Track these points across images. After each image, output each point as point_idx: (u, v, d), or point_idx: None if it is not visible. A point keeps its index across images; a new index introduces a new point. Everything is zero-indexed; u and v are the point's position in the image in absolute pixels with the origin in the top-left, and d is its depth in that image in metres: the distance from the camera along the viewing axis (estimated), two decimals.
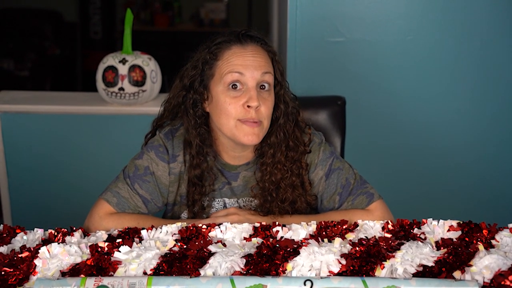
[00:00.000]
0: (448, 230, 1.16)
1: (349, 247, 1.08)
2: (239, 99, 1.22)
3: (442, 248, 1.08)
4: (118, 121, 2.12)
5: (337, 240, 1.10)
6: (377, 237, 1.11)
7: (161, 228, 1.17)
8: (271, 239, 1.10)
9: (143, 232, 1.15)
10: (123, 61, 2.05)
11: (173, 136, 1.33)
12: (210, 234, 1.15)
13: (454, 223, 1.17)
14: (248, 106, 1.21)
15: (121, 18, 5.16)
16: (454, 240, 1.11)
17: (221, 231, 1.16)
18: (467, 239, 1.11)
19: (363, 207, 1.31)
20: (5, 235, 1.15)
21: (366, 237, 1.12)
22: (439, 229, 1.16)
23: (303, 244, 1.08)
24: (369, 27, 2.07)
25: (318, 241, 1.11)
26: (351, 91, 1.98)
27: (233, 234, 1.15)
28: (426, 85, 2.13)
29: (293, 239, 1.11)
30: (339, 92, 1.78)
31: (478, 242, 1.09)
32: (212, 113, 1.28)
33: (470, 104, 2.15)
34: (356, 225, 1.19)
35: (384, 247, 1.07)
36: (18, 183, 2.14)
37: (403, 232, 1.15)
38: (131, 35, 2.08)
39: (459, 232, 1.15)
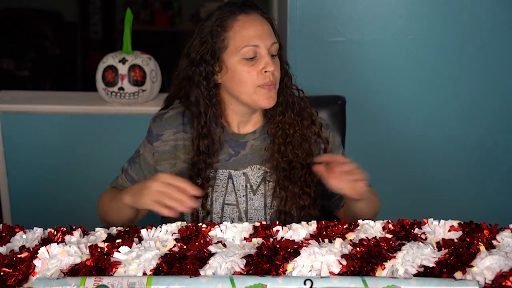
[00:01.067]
0: (449, 230, 1.15)
1: (349, 247, 1.07)
2: (256, 67, 1.29)
3: (443, 248, 1.08)
4: (118, 121, 2.12)
5: (338, 240, 1.10)
6: (378, 237, 1.11)
7: (160, 227, 1.16)
8: (271, 239, 1.10)
9: (143, 232, 1.15)
10: (123, 61, 2.05)
11: (161, 118, 1.40)
12: (210, 233, 1.14)
13: (455, 223, 1.16)
14: (265, 72, 1.29)
15: (121, 18, 5.16)
16: (455, 240, 1.11)
17: (221, 230, 1.15)
18: (468, 239, 1.11)
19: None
20: (4, 234, 1.15)
21: (366, 237, 1.12)
22: (440, 229, 1.15)
23: (304, 244, 1.08)
24: (369, 27, 2.07)
25: (319, 242, 1.11)
26: (351, 90, 1.97)
27: (233, 234, 1.15)
28: (426, 85, 2.13)
29: (293, 240, 1.11)
30: (339, 92, 1.78)
31: (479, 243, 1.09)
32: (226, 83, 1.33)
33: (471, 104, 2.15)
34: (356, 225, 1.19)
35: (385, 247, 1.07)
36: (18, 183, 2.13)
37: (404, 232, 1.14)
38: (131, 35, 2.08)
39: (460, 233, 1.14)
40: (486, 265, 1.02)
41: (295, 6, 2.04)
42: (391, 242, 1.08)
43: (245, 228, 1.16)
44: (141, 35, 4.43)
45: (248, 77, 1.29)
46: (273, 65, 1.30)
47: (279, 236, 1.14)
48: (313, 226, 1.17)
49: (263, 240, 1.10)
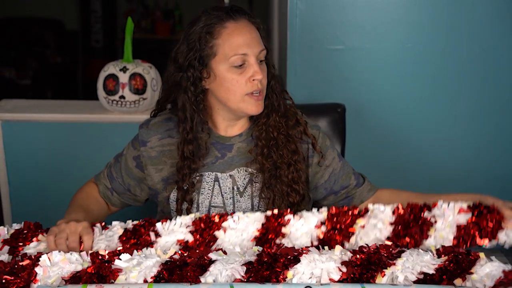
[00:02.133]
0: (459, 213, 1.15)
1: (349, 254, 1.08)
2: (244, 75, 1.30)
3: (443, 255, 1.08)
4: (119, 129, 2.12)
5: (338, 247, 1.10)
6: (377, 244, 1.11)
7: (175, 219, 1.18)
8: (272, 245, 1.11)
9: (158, 225, 1.17)
10: (124, 70, 2.06)
11: (148, 124, 1.43)
12: (223, 224, 1.16)
13: (464, 205, 1.16)
14: (253, 80, 1.30)
15: (122, 27, 5.18)
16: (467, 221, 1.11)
17: (233, 220, 1.17)
18: (475, 219, 1.12)
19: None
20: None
21: (366, 244, 1.12)
22: (449, 211, 1.15)
23: (304, 251, 1.08)
24: (369, 34, 2.08)
25: (319, 249, 1.11)
26: (351, 98, 1.98)
27: (245, 224, 1.16)
28: (426, 93, 2.14)
29: (293, 247, 1.11)
30: (339, 100, 1.79)
31: (488, 226, 1.09)
32: (214, 89, 1.34)
33: (471, 111, 2.15)
34: (366, 210, 1.19)
35: (385, 254, 1.07)
36: (19, 191, 2.13)
37: (413, 215, 1.14)
38: (132, 43, 2.09)
39: (470, 214, 1.14)
40: (485, 272, 1.02)
41: (295, 14, 2.05)
42: (391, 249, 1.09)
43: (257, 217, 1.17)
44: (142, 44, 4.44)
45: (236, 86, 1.30)
46: (261, 73, 1.30)
47: (291, 224, 1.15)
48: (324, 213, 1.17)
49: (263, 248, 1.11)
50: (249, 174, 1.37)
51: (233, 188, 1.36)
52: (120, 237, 1.17)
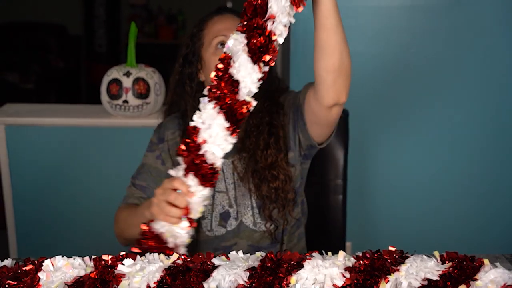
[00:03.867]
0: None
1: (353, 260, 1.07)
2: None
3: (447, 262, 1.08)
4: (122, 133, 2.13)
5: (341, 253, 1.10)
6: (381, 250, 1.11)
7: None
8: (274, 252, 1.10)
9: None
10: (127, 74, 2.06)
11: (161, 124, 1.51)
12: None
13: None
14: None
15: (125, 31, 5.20)
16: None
17: None
18: None
19: None
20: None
21: (370, 250, 1.12)
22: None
23: (307, 257, 1.08)
24: (372, 40, 2.08)
25: (322, 254, 1.11)
26: (354, 103, 1.97)
27: None
28: (429, 98, 2.14)
29: (297, 252, 1.11)
30: None
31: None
32: (206, 78, 1.39)
33: (474, 116, 2.15)
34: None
35: (389, 260, 1.06)
36: (23, 195, 2.14)
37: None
38: (136, 48, 2.10)
39: None
40: (490, 278, 1.01)
41: (298, 18, 2.05)
42: (394, 255, 1.08)
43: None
44: (145, 48, 4.46)
45: None
46: None
47: None
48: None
49: (266, 253, 1.10)
50: (247, 161, 1.40)
51: (233, 174, 1.41)
52: None
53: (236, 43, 1.06)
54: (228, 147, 1.12)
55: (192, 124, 1.11)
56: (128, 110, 2.08)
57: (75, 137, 2.13)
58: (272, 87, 1.43)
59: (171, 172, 1.16)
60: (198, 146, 1.10)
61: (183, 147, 1.12)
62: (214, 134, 1.10)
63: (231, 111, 1.08)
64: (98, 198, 2.15)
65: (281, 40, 1.07)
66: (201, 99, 1.12)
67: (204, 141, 1.10)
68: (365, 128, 2.11)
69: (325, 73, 1.21)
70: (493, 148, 2.17)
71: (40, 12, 5.10)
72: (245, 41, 1.06)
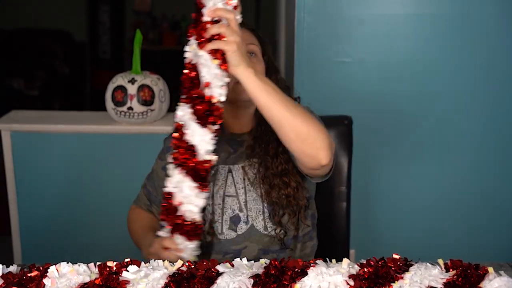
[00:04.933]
0: None
1: (357, 268, 1.07)
2: None
3: (451, 269, 1.07)
4: (127, 140, 2.13)
5: (345, 261, 1.10)
6: (385, 258, 1.11)
7: None
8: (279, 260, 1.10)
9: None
10: (132, 81, 2.07)
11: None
12: None
13: None
14: None
15: (129, 38, 5.22)
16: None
17: None
18: None
19: None
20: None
21: (374, 257, 1.12)
22: None
23: (311, 264, 1.08)
24: (376, 47, 2.09)
25: (326, 261, 1.11)
26: (358, 111, 1.98)
27: None
28: (433, 106, 2.14)
29: (301, 259, 1.11)
30: (346, 112, 1.79)
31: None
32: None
33: (479, 125, 2.15)
34: None
35: (393, 268, 1.06)
36: (28, 202, 2.15)
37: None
38: (140, 55, 2.11)
39: None
40: (494, 286, 1.01)
41: (302, 27, 2.06)
42: (399, 262, 1.08)
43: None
44: (149, 55, 4.47)
45: None
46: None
47: None
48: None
49: (270, 260, 1.11)
50: (258, 166, 1.41)
51: (244, 179, 1.42)
52: None
53: (184, 113, 1.20)
54: (202, 202, 1.24)
55: (166, 190, 1.24)
56: (133, 117, 2.09)
57: (80, 143, 2.14)
58: None
59: (160, 233, 1.28)
60: (176, 209, 1.23)
61: (163, 212, 1.25)
62: (187, 195, 1.23)
63: (196, 172, 1.21)
64: (103, 204, 2.16)
65: (223, 99, 1.18)
66: (167, 166, 1.27)
67: (180, 203, 1.23)
68: (369, 135, 2.12)
69: (287, 144, 1.23)
70: (499, 157, 2.17)
71: (45, 18, 5.13)
72: (191, 110, 1.19)
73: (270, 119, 1.21)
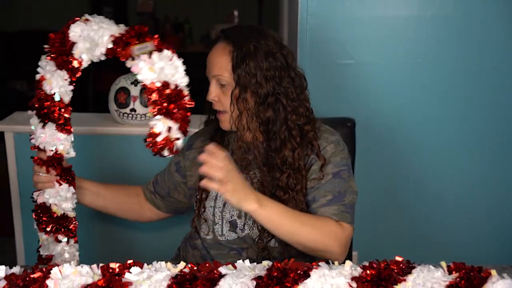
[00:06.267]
0: None
1: (359, 270, 1.07)
2: None
3: (454, 272, 1.07)
4: (130, 142, 2.13)
5: (348, 263, 1.10)
6: (388, 260, 1.11)
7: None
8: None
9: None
10: (135, 83, 2.08)
11: (196, 132, 1.60)
12: None
13: None
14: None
15: None
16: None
17: None
18: None
19: (337, 220, 1.36)
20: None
21: (377, 260, 1.12)
22: None
23: (314, 266, 1.08)
24: (379, 49, 2.09)
25: (329, 264, 1.11)
26: (361, 113, 1.98)
27: None
28: (436, 108, 2.14)
29: (303, 262, 1.11)
30: (349, 114, 1.79)
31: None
32: None
33: (482, 127, 2.14)
34: None
35: (395, 270, 1.06)
36: (31, 203, 2.15)
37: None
38: None
39: None
40: None
41: (305, 29, 2.07)
42: (401, 265, 1.08)
43: None
44: None
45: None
46: (211, 94, 1.40)
47: None
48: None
49: (273, 262, 1.11)
50: (260, 176, 1.43)
51: None
52: None
53: None
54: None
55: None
56: (136, 119, 2.09)
57: (83, 145, 2.14)
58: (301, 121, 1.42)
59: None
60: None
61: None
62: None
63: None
64: None
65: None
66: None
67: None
68: (371, 138, 2.11)
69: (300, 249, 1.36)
70: (505, 156, 2.16)
71: (48, 20, 5.14)
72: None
73: (281, 238, 1.33)
